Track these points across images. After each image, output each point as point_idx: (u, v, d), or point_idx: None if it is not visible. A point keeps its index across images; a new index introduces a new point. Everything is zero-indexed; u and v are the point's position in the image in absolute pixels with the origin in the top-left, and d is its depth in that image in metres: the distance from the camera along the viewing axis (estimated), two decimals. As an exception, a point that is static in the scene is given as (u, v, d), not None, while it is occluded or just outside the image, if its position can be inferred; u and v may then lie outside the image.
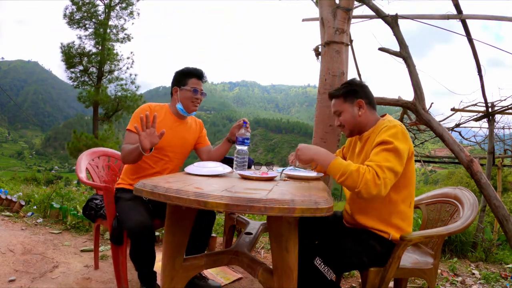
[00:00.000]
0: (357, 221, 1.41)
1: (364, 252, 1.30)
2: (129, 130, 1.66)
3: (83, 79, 14.97)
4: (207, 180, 1.21)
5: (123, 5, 15.31)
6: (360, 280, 1.54)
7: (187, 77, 1.76)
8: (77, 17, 14.61)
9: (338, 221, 1.57)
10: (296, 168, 1.69)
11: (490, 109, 3.89)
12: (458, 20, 2.59)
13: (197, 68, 1.79)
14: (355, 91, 1.42)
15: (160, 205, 1.25)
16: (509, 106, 3.68)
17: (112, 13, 15.18)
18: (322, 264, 1.21)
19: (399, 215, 1.34)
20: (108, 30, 15.03)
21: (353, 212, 1.44)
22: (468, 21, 2.64)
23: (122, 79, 15.36)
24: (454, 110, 4.11)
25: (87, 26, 14.77)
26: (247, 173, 1.39)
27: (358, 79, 1.49)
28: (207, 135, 2.04)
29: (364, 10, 3.08)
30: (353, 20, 2.67)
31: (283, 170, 1.55)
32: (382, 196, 1.16)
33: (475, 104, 3.92)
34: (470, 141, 4.97)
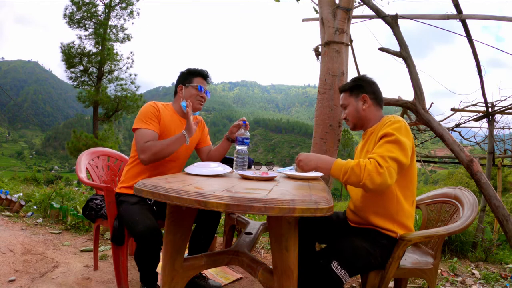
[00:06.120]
0: (366, 219, 1.38)
1: (379, 252, 1.29)
2: (142, 128, 1.62)
3: (83, 79, 14.99)
4: (207, 180, 1.21)
5: (123, 5, 15.33)
6: (360, 280, 1.54)
7: (193, 75, 1.81)
8: (77, 17, 14.64)
9: (342, 221, 1.54)
10: None
11: (490, 109, 3.90)
12: (458, 20, 2.59)
13: (202, 68, 1.86)
14: (361, 86, 1.46)
15: (165, 206, 1.24)
16: (509, 106, 3.68)
17: (112, 13, 15.21)
18: (339, 267, 1.18)
19: (404, 214, 1.33)
20: (108, 30, 15.05)
21: (360, 210, 1.41)
22: (468, 21, 2.64)
23: (122, 79, 15.40)
24: (454, 110, 4.11)
25: (87, 26, 14.81)
26: (247, 173, 1.39)
27: (368, 76, 1.52)
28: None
29: (364, 10, 3.09)
30: (353, 20, 2.66)
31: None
32: (389, 185, 1.13)
33: (475, 104, 3.93)
34: (470, 141, 4.97)
